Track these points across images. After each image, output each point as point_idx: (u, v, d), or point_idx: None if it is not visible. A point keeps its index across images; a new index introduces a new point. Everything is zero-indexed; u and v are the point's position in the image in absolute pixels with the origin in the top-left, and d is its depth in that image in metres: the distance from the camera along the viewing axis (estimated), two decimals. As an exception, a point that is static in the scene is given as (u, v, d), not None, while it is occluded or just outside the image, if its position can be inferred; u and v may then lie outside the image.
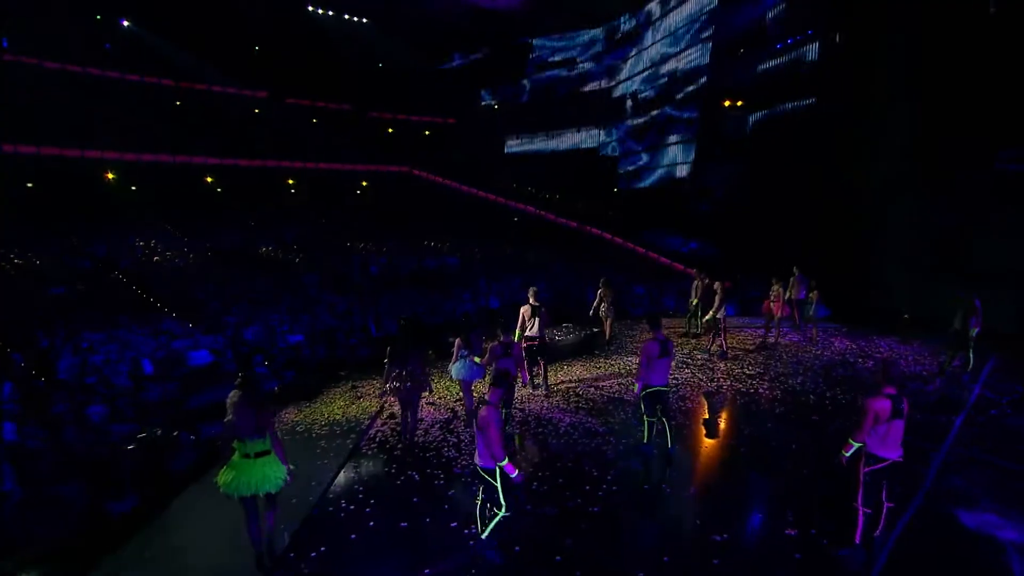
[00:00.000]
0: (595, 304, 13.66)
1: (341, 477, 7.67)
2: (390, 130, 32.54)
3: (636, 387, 7.55)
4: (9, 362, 11.58)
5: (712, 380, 11.08)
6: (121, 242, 20.92)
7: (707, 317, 12.57)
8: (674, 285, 20.81)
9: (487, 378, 8.73)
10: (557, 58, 30.90)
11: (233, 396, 5.64)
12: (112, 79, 24.79)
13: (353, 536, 6.27)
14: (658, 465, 7.64)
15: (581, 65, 30.22)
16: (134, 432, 9.16)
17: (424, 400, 10.40)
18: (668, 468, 7.54)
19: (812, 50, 21.27)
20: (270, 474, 5.55)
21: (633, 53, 28.29)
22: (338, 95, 30.25)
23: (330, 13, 27.16)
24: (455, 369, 8.97)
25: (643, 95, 27.79)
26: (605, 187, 28.82)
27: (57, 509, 7.47)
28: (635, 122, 28.21)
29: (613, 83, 29.15)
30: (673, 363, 7.75)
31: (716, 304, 12.21)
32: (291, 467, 5.75)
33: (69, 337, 13.07)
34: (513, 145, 32.06)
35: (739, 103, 23.90)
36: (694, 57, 25.34)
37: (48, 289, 16.01)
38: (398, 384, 8.02)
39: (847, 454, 5.44)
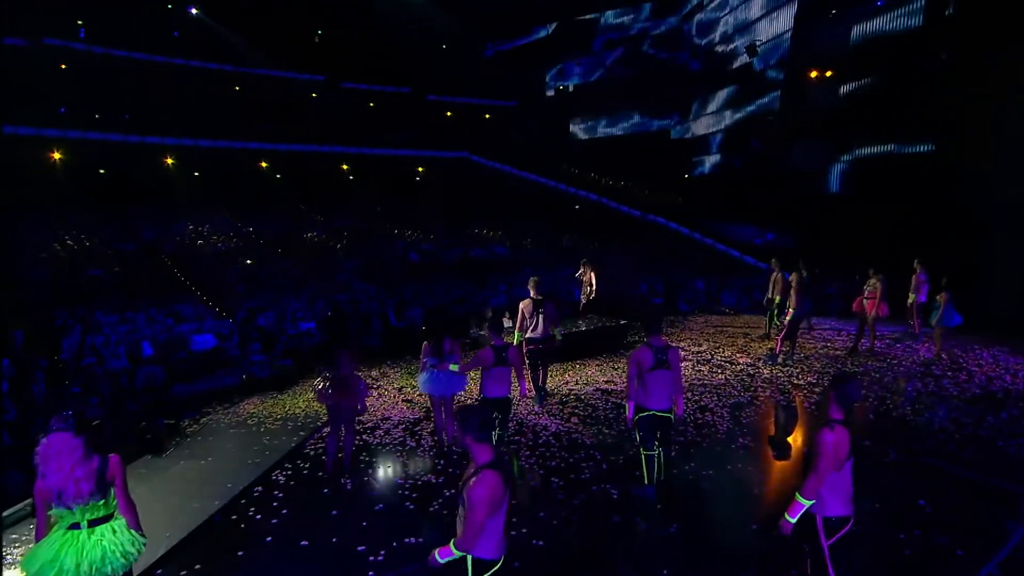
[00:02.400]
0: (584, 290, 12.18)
1: (264, 480, 6.61)
2: (448, 114, 31.66)
3: (627, 409, 5.60)
4: (11, 339, 11.58)
5: (749, 388, 9.17)
6: (171, 226, 21.32)
7: (788, 317, 10.18)
8: (742, 281, 18.61)
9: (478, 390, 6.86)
10: (627, 33, 28.79)
11: (49, 444, 3.51)
12: (176, 66, 25.52)
13: (240, 553, 5.25)
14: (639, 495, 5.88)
15: (652, 40, 27.95)
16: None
17: (401, 400, 9.19)
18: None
19: (919, 5, 18.13)
20: (112, 549, 3.59)
21: (708, 22, 25.75)
22: (396, 79, 29.67)
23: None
24: (420, 381, 7.21)
25: (719, 69, 25.21)
26: (675, 172, 26.50)
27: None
28: (710, 100, 25.68)
29: (687, 58, 26.71)
30: (681, 377, 5.61)
31: (793, 300, 10.01)
32: (145, 539, 3.84)
33: (85, 318, 12.98)
34: (578, 128, 30.36)
35: (828, 73, 20.91)
36: (777, 21, 22.51)
37: (87, 271, 16.29)
38: (321, 389, 6.45)
39: (794, 519, 3.57)
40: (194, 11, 26.67)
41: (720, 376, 9.90)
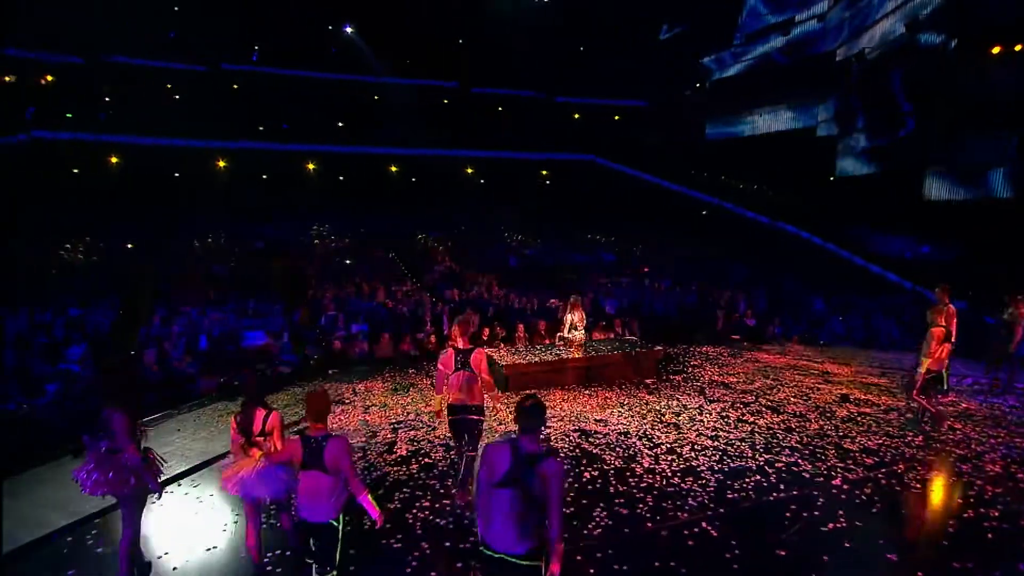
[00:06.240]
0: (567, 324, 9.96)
1: (102, 513, 5.92)
2: (576, 116, 30.58)
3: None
4: (97, 326, 13.21)
5: (770, 450, 7.21)
6: (300, 226, 23.16)
7: (923, 368, 7.38)
8: (874, 303, 15.41)
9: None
10: (770, 21, 25.38)
11: None
12: (324, 79, 27.97)
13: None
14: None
15: (799, 27, 24.27)
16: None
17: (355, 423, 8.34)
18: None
19: None
20: None
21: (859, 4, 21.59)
22: (525, 82, 29.30)
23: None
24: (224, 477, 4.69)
25: (872, 54, 21.05)
26: (820, 174, 22.76)
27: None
28: (861, 91, 21.59)
29: (837, 44, 22.72)
30: (558, 510, 3.18)
31: (929, 346, 7.28)
32: None
33: (177, 309, 14.34)
34: (714, 128, 27.53)
35: (1017, 47, 16.41)
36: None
37: (211, 267, 18.15)
38: (84, 475, 4.54)
39: None
40: (349, 30, 28.96)
41: (745, 427, 7.97)
